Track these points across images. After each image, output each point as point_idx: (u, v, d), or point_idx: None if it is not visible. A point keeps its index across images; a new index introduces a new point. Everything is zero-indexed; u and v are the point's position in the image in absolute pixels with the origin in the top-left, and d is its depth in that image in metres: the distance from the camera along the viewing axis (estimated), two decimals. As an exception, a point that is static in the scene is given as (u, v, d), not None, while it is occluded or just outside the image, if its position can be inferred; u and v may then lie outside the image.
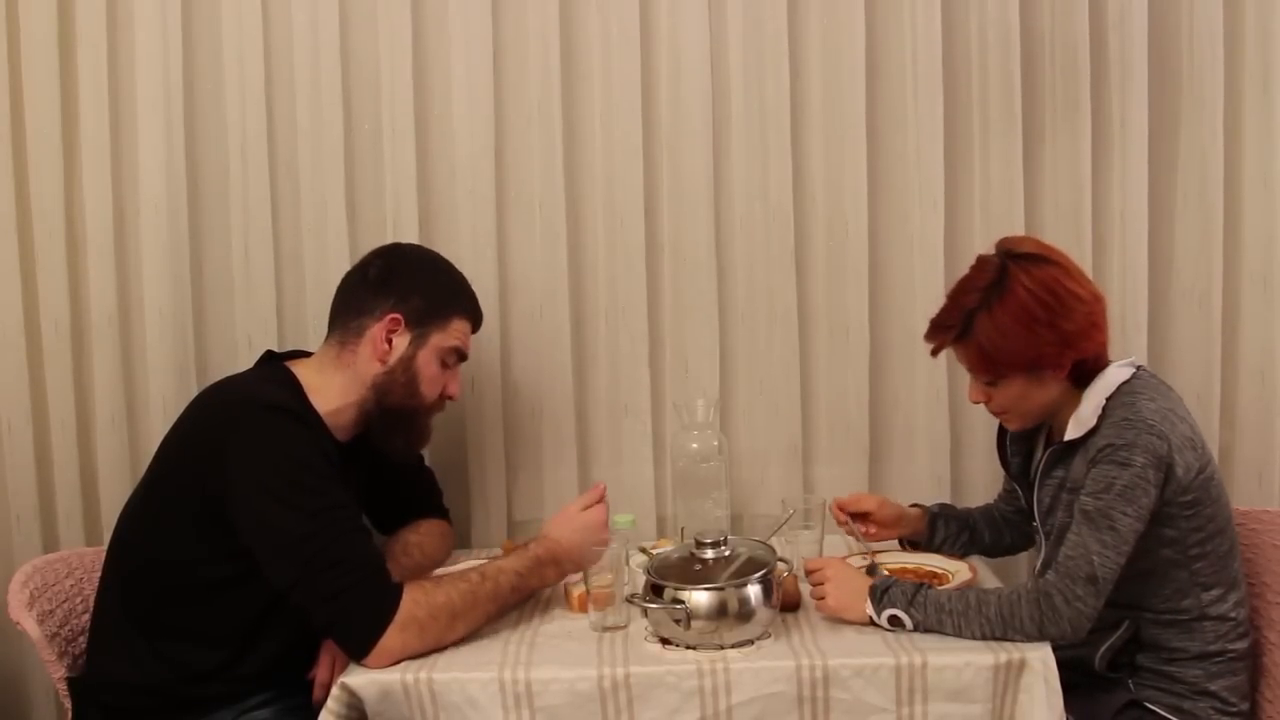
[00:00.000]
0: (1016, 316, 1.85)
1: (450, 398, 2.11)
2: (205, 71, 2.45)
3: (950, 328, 1.92)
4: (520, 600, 1.93)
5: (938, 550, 2.20)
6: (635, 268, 2.50)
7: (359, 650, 1.76)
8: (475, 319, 2.14)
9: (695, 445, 2.40)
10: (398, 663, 1.76)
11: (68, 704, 1.98)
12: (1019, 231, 2.45)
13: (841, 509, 2.18)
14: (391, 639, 1.75)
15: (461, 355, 2.10)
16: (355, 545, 1.81)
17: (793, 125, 2.48)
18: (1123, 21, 2.46)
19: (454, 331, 2.07)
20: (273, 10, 2.44)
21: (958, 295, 1.93)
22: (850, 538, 2.22)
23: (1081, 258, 2.47)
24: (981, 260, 1.94)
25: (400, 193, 2.46)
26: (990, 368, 1.91)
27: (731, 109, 2.49)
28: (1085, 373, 1.91)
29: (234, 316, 2.48)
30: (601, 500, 2.04)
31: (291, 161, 2.46)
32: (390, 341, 2.01)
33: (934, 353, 1.99)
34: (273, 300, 2.47)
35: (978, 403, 1.99)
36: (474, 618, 1.84)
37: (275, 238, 2.47)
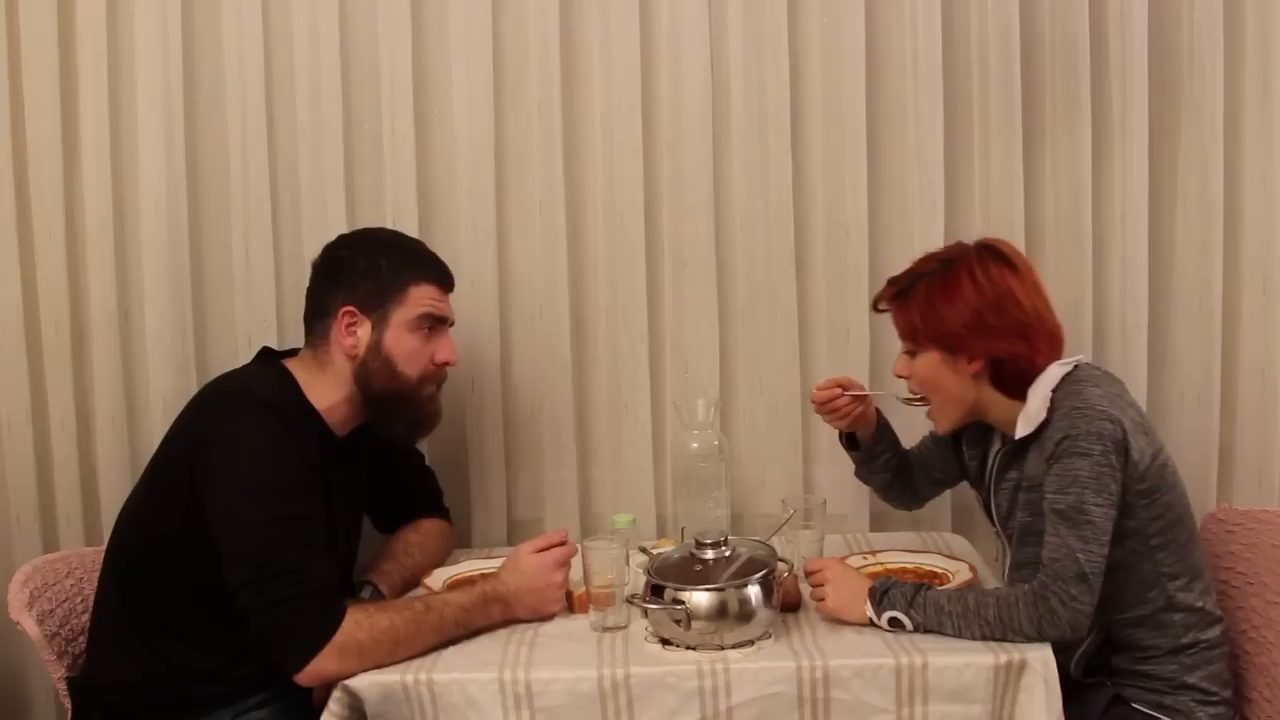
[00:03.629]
0: (950, 295, 1.92)
1: (445, 364, 2.08)
2: (205, 71, 2.45)
3: (895, 285, 2.00)
4: (464, 635, 1.85)
5: (867, 464, 2.27)
6: (635, 268, 2.50)
7: (293, 664, 1.74)
8: (438, 279, 2.08)
9: (695, 445, 2.39)
10: (331, 685, 1.74)
11: (68, 704, 1.98)
12: (1019, 231, 2.46)
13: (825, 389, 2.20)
14: (328, 660, 1.73)
15: (438, 319, 2.06)
16: (311, 559, 1.80)
17: (793, 125, 2.48)
18: (1123, 21, 2.46)
19: (415, 300, 2.03)
20: (273, 10, 2.44)
21: (918, 261, 2.02)
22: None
23: (1081, 258, 2.48)
24: (956, 242, 2.04)
25: (400, 192, 2.46)
26: (912, 334, 1.98)
27: (731, 109, 2.49)
28: (1007, 379, 1.93)
29: (234, 316, 2.48)
30: (563, 544, 1.97)
31: (291, 161, 2.46)
32: (354, 334, 2.00)
33: (874, 305, 2.06)
34: (273, 300, 2.47)
35: (900, 376, 2.03)
36: (416, 646, 1.79)
37: (275, 238, 2.47)
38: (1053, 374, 1.91)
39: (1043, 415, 1.88)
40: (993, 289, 1.91)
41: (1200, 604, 1.91)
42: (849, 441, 2.30)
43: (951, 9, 2.47)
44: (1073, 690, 1.86)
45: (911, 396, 2.07)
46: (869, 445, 2.26)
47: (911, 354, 1.99)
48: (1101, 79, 2.48)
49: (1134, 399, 1.94)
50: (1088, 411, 1.82)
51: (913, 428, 2.29)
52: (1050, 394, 1.89)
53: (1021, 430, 1.91)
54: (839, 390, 2.19)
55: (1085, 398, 1.84)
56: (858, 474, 2.34)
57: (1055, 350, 1.96)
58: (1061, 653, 1.83)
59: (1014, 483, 1.98)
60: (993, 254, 1.95)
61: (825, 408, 2.20)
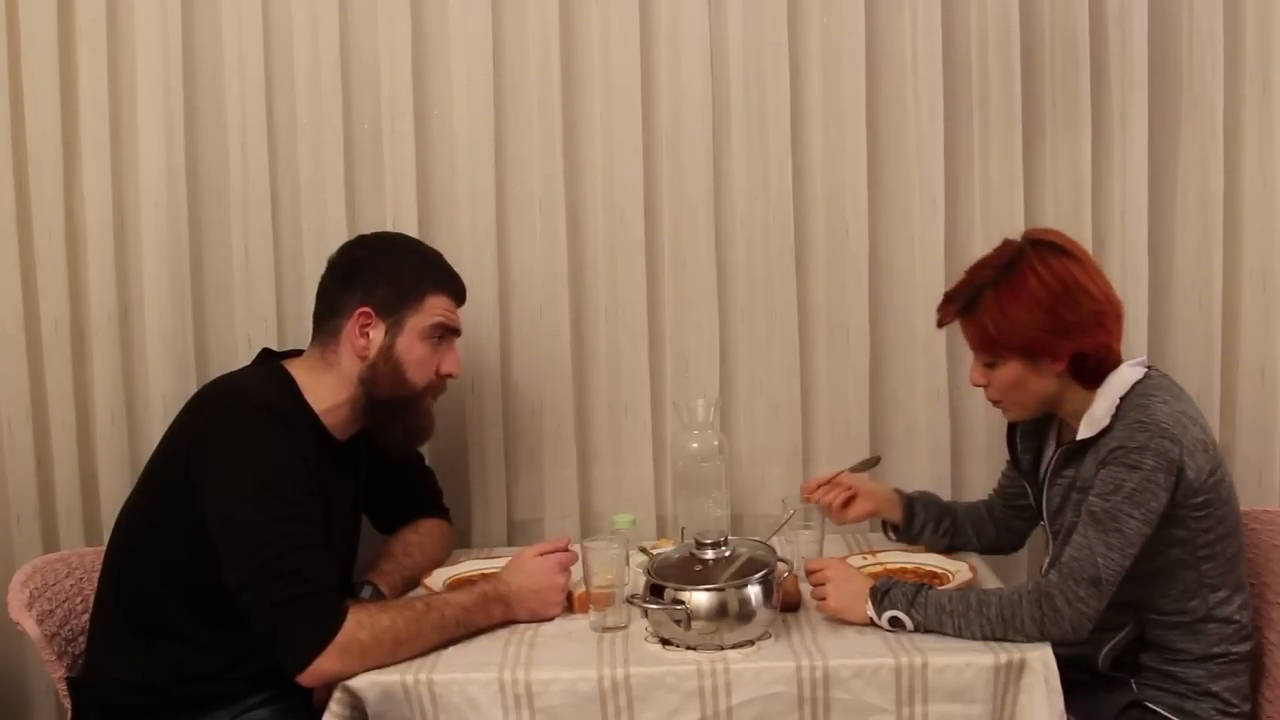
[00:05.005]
0: (1020, 298, 1.87)
1: (449, 376, 2.09)
2: (205, 71, 2.45)
3: (957, 301, 1.94)
4: (465, 634, 1.85)
5: (919, 537, 2.21)
6: (635, 267, 2.50)
7: (295, 665, 1.74)
8: (453, 291, 2.10)
9: (695, 445, 2.39)
10: (332, 685, 1.74)
11: (68, 704, 1.98)
12: (1019, 230, 2.44)
13: (807, 488, 2.21)
14: (330, 660, 1.73)
15: (449, 330, 2.07)
16: (313, 560, 1.81)
17: (793, 125, 2.48)
18: (1123, 20, 2.46)
19: (431, 310, 2.04)
20: (273, 10, 2.44)
21: (973, 271, 1.96)
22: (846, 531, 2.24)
23: (1082, 256, 2.47)
24: (1005, 243, 1.97)
25: (400, 191, 2.46)
26: (989, 347, 1.92)
27: (731, 108, 2.49)
28: (1087, 370, 1.91)
29: (234, 316, 2.48)
30: (565, 550, 1.98)
31: (291, 161, 2.46)
32: (367, 335, 2.00)
33: (940, 324, 2.00)
34: (273, 300, 2.47)
35: (978, 385, 2.00)
36: (418, 645, 1.79)
37: (275, 237, 2.47)
38: (1124, 378, 1.89)
39: (1106, 421, 1.86)
40: (1061, 284, 1.86)
41: (1238, 618, 1.91)
42: (893, 530, 2.26)
43: (951, 9, 2.47)
44: (1095, 683, 1.87)
45: (861, 463, 2.24)
46: (903, 531, 2.23)
47: (989, 364, 1.95)
48: (1101, 78, 2.48)
49: (1199, 413, 1.91)
50: (1150, 426, 1.81)
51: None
52: (1118, 400, 1.87)
53: (1084, 432, 1.90)
54: (814, 486, 2.20)
55: (1152, 412, 1.83)
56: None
57: (1122, 327, 1.94)
58: (1090, 645, 1.84)
59: (1069, 481, 1.96)
60: (1049, 247, 1.91)
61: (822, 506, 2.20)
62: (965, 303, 1.93)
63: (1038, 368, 1.91)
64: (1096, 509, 1.80)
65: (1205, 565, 1.87)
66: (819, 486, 2.20)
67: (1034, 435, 2.10)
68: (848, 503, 2.19)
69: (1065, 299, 1.87)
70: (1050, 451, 2.05)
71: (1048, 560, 2.02)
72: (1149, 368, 1.93)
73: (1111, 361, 1.92)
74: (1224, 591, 1.89)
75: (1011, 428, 2.12)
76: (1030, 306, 1.87)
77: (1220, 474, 1.87)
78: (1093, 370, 1.91)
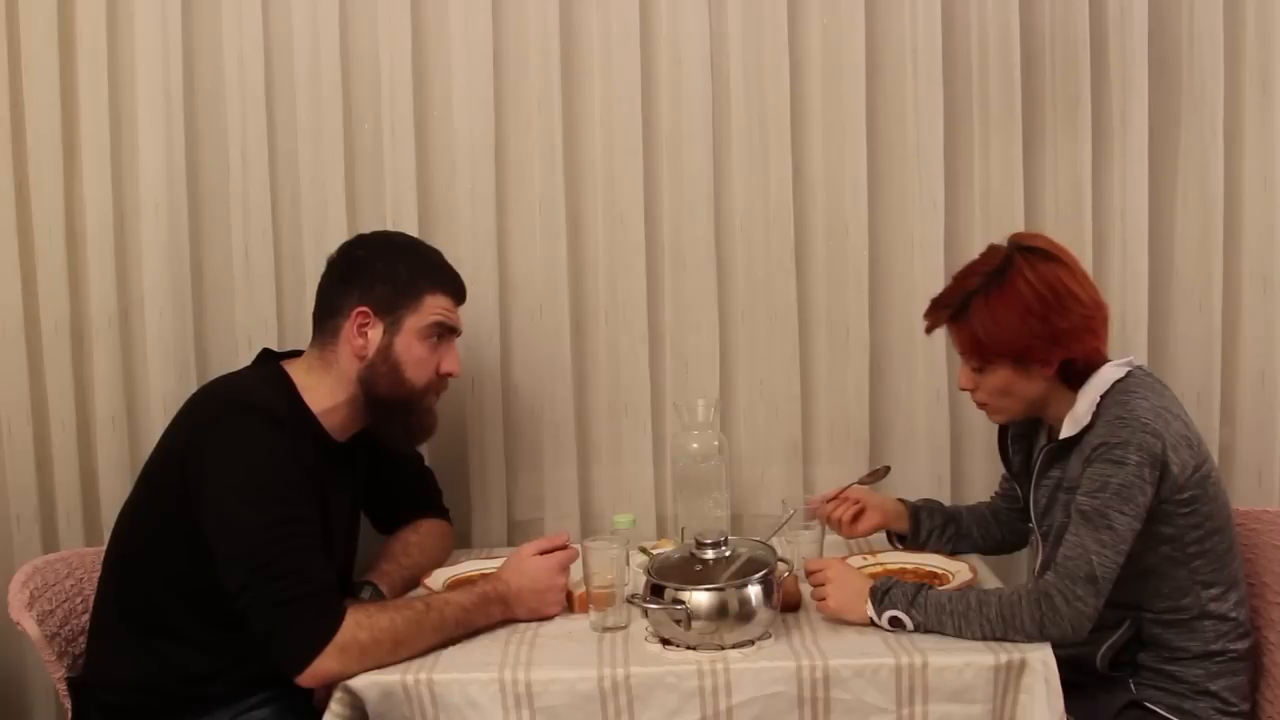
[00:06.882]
0: (1012, 306, 1.87)
1: (449, 375, 2.08)
2: (205, 71, 2.46)
3: (947, 307, 1.94)
4: (465, 634, 1.85)
5: (925, 544, 2.20)
6: (635, 268, 2.50)
7: (294, 665, 1.74)
8: (452, 290, 2.09)
9: (695, 445, 2.39)
10: (332, 685, 1.74)
11: (68, 704, 1.98)
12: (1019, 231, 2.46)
13: (814, 503, 2.21)
14: (329, 661, 1.73)
15: (447, 329, 2.06)
16: (310, 561, 1.81)
17: (793, 125, 2.48)
18: (1123, 21, 2.46)
19: (429, 309, 2.03)
20: (273, 10, 2.44)
21: (961, 277, 1.96)
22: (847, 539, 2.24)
23: (1081, 257, 2.44)
24: (991, 248, 1.97)
25: (400, 192, 2.46)
26: (980, 352, 1.92)
27: (731, 109, 2.49)
28: (1076, 373, 1.92)
29: (234, 316, 2.48)
30: (563, 548, 1.98)
31: (291, 161, 2.46)
32: (365, 335, 2.00)
33: (928, 330, 2.01)
34: (273, 300, 2.47)
35: (965, 389, 2.00)
36: (417, 645, 1.79)
37: (275, 238, 2.47)
38: (1106, 377, 1.89)
39: (1087, 419, 1.87)
40: (1051, 291, 1.87)
41: (1235, 615, 1.91)
42: (899, 539, 2.26)
43: (951, 9, 2.47)
44: (1094, 684, 1.87)
45: (870, 474, 2.26)
46: (910, 540, 2.22)
47: (977, 368, 1.95)
48: (1101, 79, 2.48)
49: (1183, 410, 1.91)
50: (1131, 422, 1.81)
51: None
52: (1099, 398, 1.88)
53: (1066, 431, 1.91)
54: (821, 501, 2.20)
55: (1132, 408, 1.83)
56: None
57: (1108, 330, 1.94)
58: (1088, 645, 1.84)
59: (1054, 482, 1.97)
60: (1037, 253, 1.91)
61: (830, 522, 2.20)
62: (955, 309, 1.93)
63: (1027, 373, 1.92)
64: (1086, 507, 1.80)
65: (1196, 562, 1.88)
66: (826, 501, 2.20)
67: (1024, 437, 2.11)
68: (856, 517, 2.19)
69: (1056, 306, 1.87)
70: (1037, 452, 2.05)
71: (1039, 563, 2.02)
72: (1136, 367, 1.94)
73: (1099, 364, 1.93)
74: (1217, 588, 1.89)
75: (1003, 430, 2.13)
76: (1022, 313, 1.87)
77: (1206, 470, 1.87)
78: (1081, 374, 1.92)
